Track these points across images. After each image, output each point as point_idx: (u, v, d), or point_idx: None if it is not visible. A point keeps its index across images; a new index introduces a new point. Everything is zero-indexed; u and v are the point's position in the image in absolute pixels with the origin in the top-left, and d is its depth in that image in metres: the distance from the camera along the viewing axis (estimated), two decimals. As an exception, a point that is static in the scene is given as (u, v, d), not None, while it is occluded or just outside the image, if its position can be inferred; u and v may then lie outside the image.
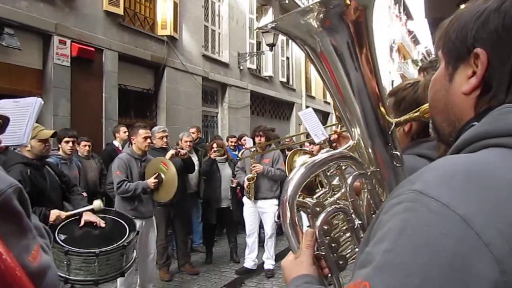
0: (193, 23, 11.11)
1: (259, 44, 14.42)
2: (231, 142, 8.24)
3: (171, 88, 10.24)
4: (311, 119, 3.37)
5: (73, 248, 3.09)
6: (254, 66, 14.11)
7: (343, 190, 1.10)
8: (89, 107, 7.86)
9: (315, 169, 1.02)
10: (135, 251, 3.61)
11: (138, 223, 4.53)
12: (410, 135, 1.67)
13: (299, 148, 5.16)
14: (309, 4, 0.89)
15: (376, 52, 1.00)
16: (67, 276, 3.05)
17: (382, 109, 1.07)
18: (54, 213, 3.29)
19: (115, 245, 3.26)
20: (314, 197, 1.13)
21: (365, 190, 1.10)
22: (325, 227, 1.05)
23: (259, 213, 6.17)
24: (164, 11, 9.87)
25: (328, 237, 1.05)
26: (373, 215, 1.12)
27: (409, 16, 41.79)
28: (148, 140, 4.83)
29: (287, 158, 4.46)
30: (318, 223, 1.02)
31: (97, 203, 3.53)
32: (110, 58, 8.38)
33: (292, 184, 0.98)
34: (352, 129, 1.10)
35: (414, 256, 0.59)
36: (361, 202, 1.15)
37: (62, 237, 3.21)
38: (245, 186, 6.02)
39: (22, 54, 6.77)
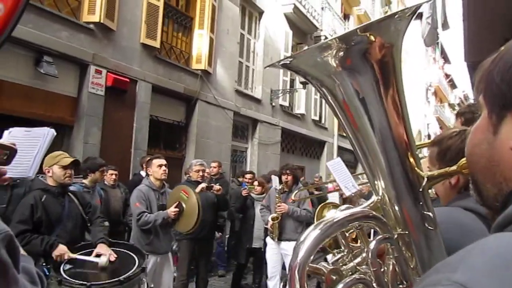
0: (227, 58, 11.26)
1: (292, 81, 14.45)
2: (247, 178, 7.80)
3: (202, 121, 10.29)
4: (340, 169, 3.19)
5: (67, 278, 3.00)
6: (286, 103, 14.10)
7: (364, 255, 0.94)
8: (120, 137, 7.94)
9: (332, 231, 0.87)
10: None
11: (153, 259, 4.41)
12: (457, 189, 1.45)
13: (329, 201, 4.94)
14: (327, 40, 0.76)
15: (405, 95, 0.85)
16: None
17: (412, 160, 0.91)
18: (60, 249, 3.23)
19: (110, 280, 3.11)
20: (330, 261, 0.97)
21: (391, 256, 0.94)
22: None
23: (282, 255, 5.92)
24: (200, 46, 10.05)
25: (346, 313, 0.88)
26: (400, 285, 0.96)
27: (446, 60, 41.34)
28: (164, 168, 4.70)
29: (316, 212, 4.23)
30: (334, 295, 0.86)
31: (104, 260, 3.30)
32: (144, 89, 8.51)
33: (304, 248, 0.83)
34: (376, 182, 0.94)
35: None
36: (385, 268, 0.98)
37: (68, 266, 3.14)
38: (268, 226, 5.83)
39: (58, 82, 6.95)
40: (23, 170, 1.50)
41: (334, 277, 0.90)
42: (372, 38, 0.79)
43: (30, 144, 1.55)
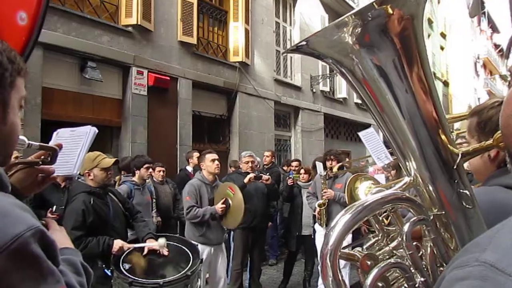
0: (264, 48, 11.22)
1: (332, 66, 14.19)
2: (294, 166, 7.76)
3: (244, 113, 10.34)
4: (372, 140, 3.09)
5: (137, 279, 3.08)
6: (327, 89, 13.89)
7: (400, 239, 0.91)
8: (164, 134, 8.14)
9: (363, 215, 0.84)
10: (199, 279, 3.55)
11: (206, 250, 4.52)
12: (496, 162, 1.33)
13: (360, 172, 4.87)
14: (342, 17, 0.73)
15: (430, 69, 0.81)
16: None
17: (443, 137, 0.87)
18: (117, 244, 3.25)
19: (178, 275, 3.19)
20: (365, 246, 0.95)
21: (428, 239, 0.90)
22: (380, 284, 0.86)
23: (331, 241, 5.86)
24: (236, 38, 10.08)
25: (382, 298, 0.86)
26: (440, 268, 0.92)
27: (495, 29, 39.10)
28: (217, 162, 4.80)
29: (348, 183, 4.10)
30: (369, 280, 0.84)
31: (162, 241, 3.39)
32: (185, 86, 8.66)
33: (335, 234, 0.81)
34: (407, 163, 0.90)
35: None
36: (423, 250, 0.94)
37: (127, 266, 3.20)
38: (316, 212, 5.79)
39: (103, 85, 7.20)
40: (69, 168, 1.56)
41: (369, 263, 0.88)
42: (390, 10, 0.75)
43: (74, 142, 1.61)
